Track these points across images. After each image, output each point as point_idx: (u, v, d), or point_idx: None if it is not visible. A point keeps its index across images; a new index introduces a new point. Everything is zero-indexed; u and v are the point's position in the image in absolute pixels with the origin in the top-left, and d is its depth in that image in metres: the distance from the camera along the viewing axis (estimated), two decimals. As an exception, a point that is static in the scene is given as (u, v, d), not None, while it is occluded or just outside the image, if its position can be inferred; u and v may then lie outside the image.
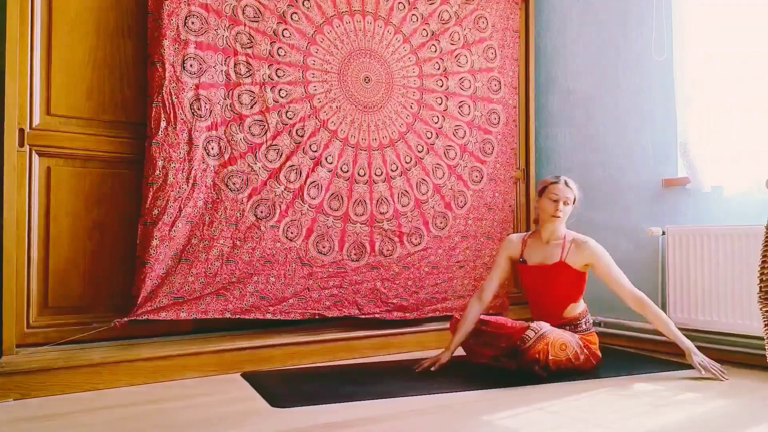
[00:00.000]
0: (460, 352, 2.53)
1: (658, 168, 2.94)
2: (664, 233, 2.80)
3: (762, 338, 2.35)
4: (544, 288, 2.43)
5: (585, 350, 2.33)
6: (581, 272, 2.41)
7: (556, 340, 2.22)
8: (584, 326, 2.42)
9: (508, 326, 2.37)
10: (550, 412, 1.87)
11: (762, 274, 1.71)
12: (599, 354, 2.40)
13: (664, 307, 2.81)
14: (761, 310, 1.72)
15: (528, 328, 2.22)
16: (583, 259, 2.39)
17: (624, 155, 3.10)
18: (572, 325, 2.40)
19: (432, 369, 2.34)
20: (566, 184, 2.43)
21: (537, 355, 2.18)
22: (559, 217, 2.39)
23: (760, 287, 1.72)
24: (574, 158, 3.36)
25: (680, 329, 2.69)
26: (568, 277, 2.39)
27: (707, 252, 2.57)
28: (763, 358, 2.03)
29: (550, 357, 2.20)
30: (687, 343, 2.30)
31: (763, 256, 1.70)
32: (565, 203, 2.40)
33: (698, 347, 2.63)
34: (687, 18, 2.75)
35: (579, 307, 2.44)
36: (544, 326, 2.24)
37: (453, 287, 3.06)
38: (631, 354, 2.76)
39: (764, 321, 1.72)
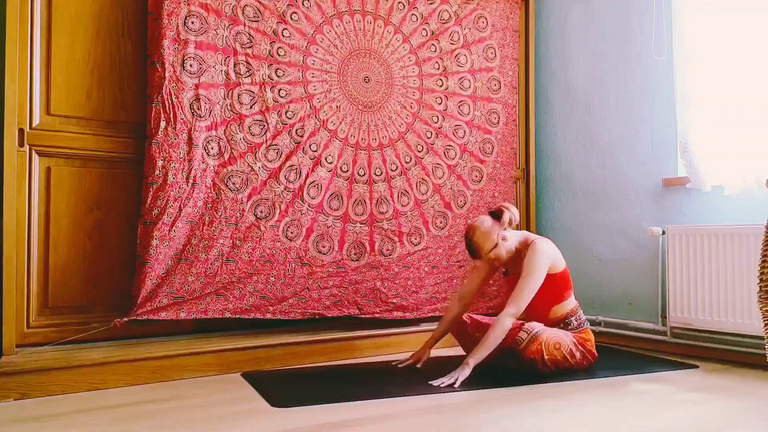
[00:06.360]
0: (461, 352, 2.53)
1: (658, 168, 2.94)
2: (664, 233, 2.80)
3: (762, 338, 2.36)
4: None
5: (580, 347, 2.32)
6: (551, 275, 2.33)
7: (550, 340, 2.22)
8: (575, 324, 2.39)
9: None
10: (549, 411, 1.87)
11: (762, 273, 1.71)
12: (595, 352, 2.39)
13: (664, 307, 2.81)
14: (761, 309, 1.72)
15: (521, 329, 2.22)
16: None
17: (624, 155, 3.10)
18: (562, 323, 2.38)
19: (418, 366, 2.38)
20: (470, 246, 2.33)
21: (533, 356, 2.19)
22: (492, 266, 2.42)
23: (760, 287, 1.71)
24: (574, 158, 3.36)
25: (681, 329, 2.72)
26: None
27: (707, 252, 2.57)
28: (763, 357, 2.03)
29: (546, 357, 2.20)
30: (470, 360, 2.20)
31: (763, 256, 1.70)
32: (483, 259, 2.34)
33: (699, 347, 2.65)
34: (687, 18, 2.74)
35: (566, 307, 2.39)
36: (537, 326, 2.23)
37: (453, 287, 3.05)
38: (631, 354, 2.76)
39: (764, 320, 1.72)
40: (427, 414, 1.84)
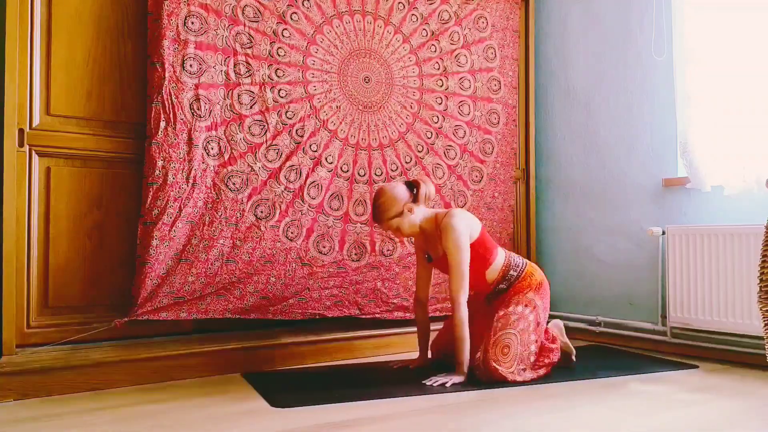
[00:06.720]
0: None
1: (658, 168, 2.94)
2: (664, 233, 2.80)
3: (762, 338, 2.36)
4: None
5: (527, 310, 2.25)
6: (471, 245, 2.26)
7: (499, 353, 2.17)
8: (515, 273, 2.33)
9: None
10: (549, 411, 1.87)
11: (762, 273, 1.70)
12: (545, 284, 2.36)
13: (663, 307, 2.81)
14: (761, 309, 1.72)
15: (476, 368, 2.19)
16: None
17: (624, 155, 3.10)
18: (505, 282, 2.33)
19: (411, 368, 2.39)
20: (374, 208, 2.27)
21: (502, 378, 2.15)
22: (400, 238, 2.35)
23: (760, 287, 1.71)
24: (574, 158, 3.36)
25: (681, 329, 2.72)
26: None
27: (707, 252, 2.57)
28: (763, 357, 2.03)
29: (513, 368, 2.17)
30: (463, 368, 2.20)
31: (763, 256, 1.70)
32: (391, 231, 2.30)
33: (699, 347, 2.65)
34: (687, 18, 2.75)
35: (498, 265, 2.33)
36: (480, 353, 2.20)
37: (453, 287, 3.05)
38: (631, 354, 2.76)
39: (764, 320, 1.72)
40: (427, 414, 1.84)
